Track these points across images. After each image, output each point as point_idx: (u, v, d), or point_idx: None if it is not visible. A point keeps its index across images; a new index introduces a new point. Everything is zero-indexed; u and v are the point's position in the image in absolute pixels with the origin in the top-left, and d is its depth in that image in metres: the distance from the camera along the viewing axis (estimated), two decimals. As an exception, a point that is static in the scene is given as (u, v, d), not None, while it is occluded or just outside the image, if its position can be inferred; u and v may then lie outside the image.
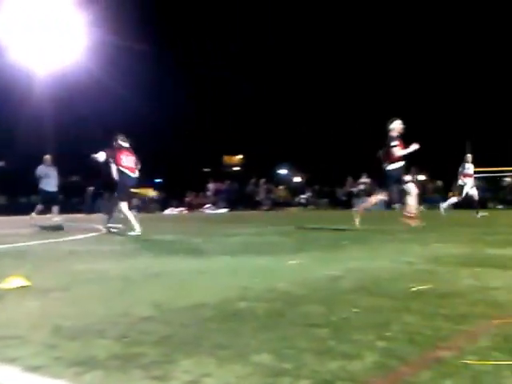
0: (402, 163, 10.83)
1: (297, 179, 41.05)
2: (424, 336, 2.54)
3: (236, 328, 2.77)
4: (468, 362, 2.13)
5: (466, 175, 17.71)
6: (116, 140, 11.42)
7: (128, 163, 11.25)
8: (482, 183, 29.48)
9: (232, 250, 7.18)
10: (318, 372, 2.05)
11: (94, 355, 2.34)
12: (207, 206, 34.23)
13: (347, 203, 31.86)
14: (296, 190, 37.30)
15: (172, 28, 43.22)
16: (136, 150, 11.46)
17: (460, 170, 18.00)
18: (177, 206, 35.91)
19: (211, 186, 36.73)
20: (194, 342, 2.52)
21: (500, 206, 27.00)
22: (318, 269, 4.99)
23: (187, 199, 37.13)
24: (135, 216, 11.38)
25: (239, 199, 35.05)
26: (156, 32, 40.16)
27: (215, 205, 34.20)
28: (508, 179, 29.79)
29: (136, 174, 11.42)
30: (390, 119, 11.03)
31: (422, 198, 30.50)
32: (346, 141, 40.79)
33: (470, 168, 17.86)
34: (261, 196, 34.84)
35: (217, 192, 36.15)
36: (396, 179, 10.78)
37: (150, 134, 38.76)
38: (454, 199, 18.29)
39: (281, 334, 2.63)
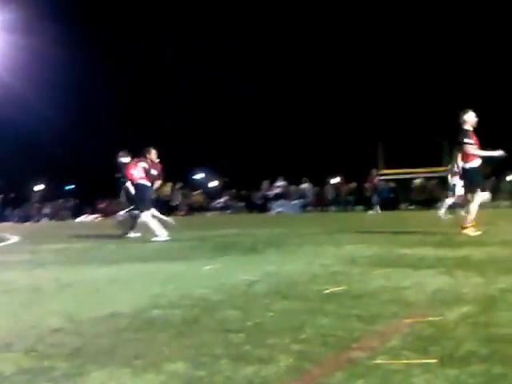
0: (479, 161, 9.38)
1: (213, 183, 40.96)
2: (337, 337, 2.58)
3: (151, 337, 2.73)
4: (379, 362, 2.18)
5: (455, 174, 15.93)
6: (119, 158, 11.90)
7: (139, 174, 11.42)
8: (394, 184, 30.43)
9: (147, 257, 7.11)
10: (232, 378, 2.05)
11: (0, 370, 2.25)
12: (122, 212, 33.62)
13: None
14: (212, 194, 37.26)
15: (93, 29, 42.21)
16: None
17: (449, 167, 16.94)
18: (92, 213, 35.15)
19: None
20: (108, 352, 2.47)
21: (412, 207, 27.84)
22: (235, 274, 5.00)
23: (101, 206, 36.36)
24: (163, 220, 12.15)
25: (154, 205, 34.62)
26: (75, 34, 39.12)
27: (130, 211, 33.63)
28: (418, 180, 30.68)
29: (149, 182, 11.69)
30: (463, 110, 9.32)
31: (337, 200, 31.31)
32: (263, 144, 41.10)
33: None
34: (177, 201, 34.59)
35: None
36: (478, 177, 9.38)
37: (62, 139, 37.67)
38: (448, 201, 17.49)
39: (196, 340, 2.61)
